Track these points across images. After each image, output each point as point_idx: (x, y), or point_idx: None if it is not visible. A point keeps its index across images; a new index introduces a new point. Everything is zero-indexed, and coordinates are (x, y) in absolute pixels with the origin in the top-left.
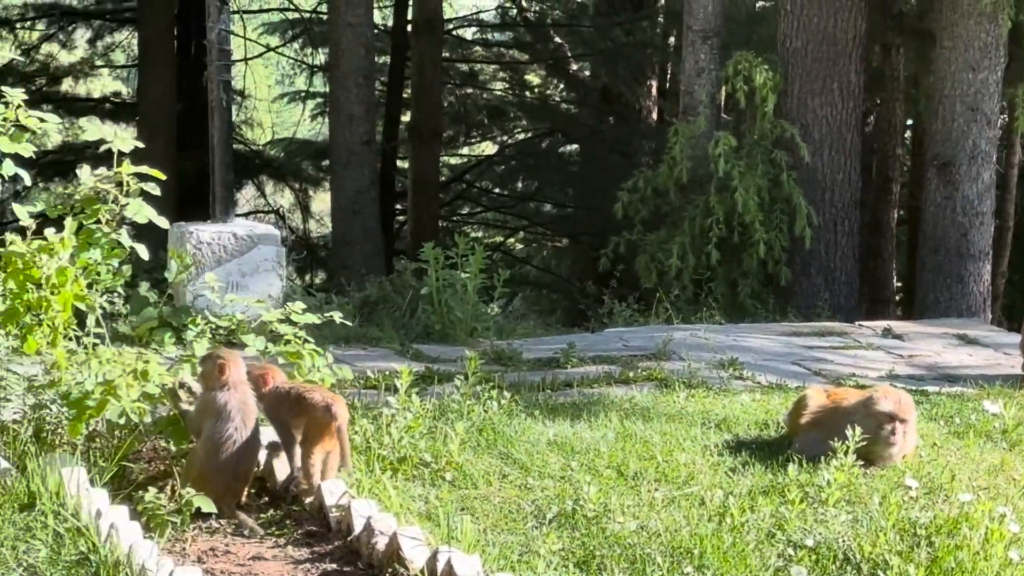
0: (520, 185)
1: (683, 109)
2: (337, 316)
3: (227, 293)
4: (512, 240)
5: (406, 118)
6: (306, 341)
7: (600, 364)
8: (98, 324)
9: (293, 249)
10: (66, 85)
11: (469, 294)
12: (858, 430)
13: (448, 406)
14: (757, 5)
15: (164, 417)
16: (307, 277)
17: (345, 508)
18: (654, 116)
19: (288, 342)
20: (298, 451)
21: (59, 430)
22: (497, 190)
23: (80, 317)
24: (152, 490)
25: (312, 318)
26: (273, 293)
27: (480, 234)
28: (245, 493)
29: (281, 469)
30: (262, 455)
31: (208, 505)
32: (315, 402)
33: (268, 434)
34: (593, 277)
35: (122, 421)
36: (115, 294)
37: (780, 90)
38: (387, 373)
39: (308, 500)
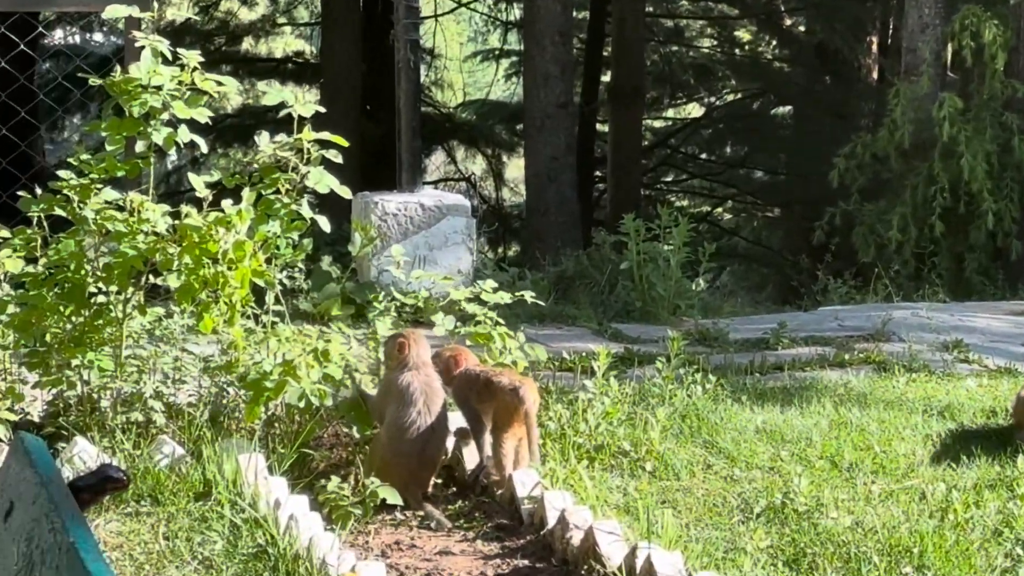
0: (728, 150)
1: (905, 68)
2: (529, 296)
3: (413, 268)
4: (719, 210)
5: (606, 78)
6: (497, 323)
7: (813, 345)
8: (277, 301)
9: (484, 220)
10: (246, 44)
11: (672, 269)
12: None
13: (649, 390)
14: None
15: (346, 400)
16: (499, 250)
17: (538, 500)
18: (874, 75)
19: (478, 323)
20: (488, 439)
21: (236, 414)
22: (703, 156)
23: (258, 294)
24: (334, 479)
25: (504, 297)
26: (463, 268)
27: (685, 203)
28: (432, 483)
29: (470, 458)
30: (450, 442)
31: (393, 496)
32: (503, 385)
33: (457, 420)
34: (806, 250)
35: (302, 404)
36: (295, 269)
37: (1011, 47)
38: (583, 355)
39: (499, 491)
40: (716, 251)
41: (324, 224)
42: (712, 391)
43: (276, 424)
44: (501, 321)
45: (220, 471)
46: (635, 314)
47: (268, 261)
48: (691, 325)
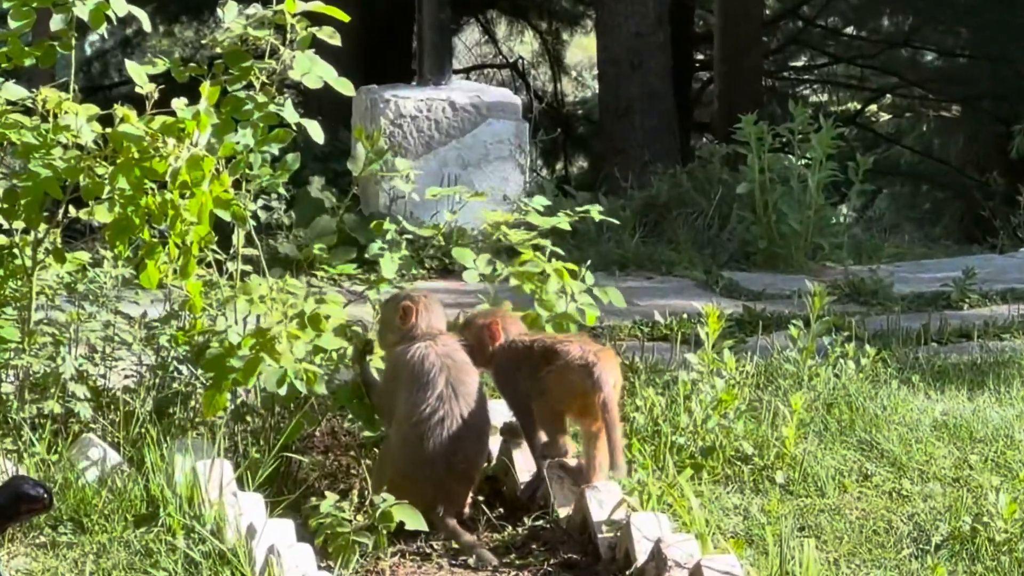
0: (885, 23)
1: None
2: (596, 211)
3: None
4: (874, 108)
5: None
6: (553, 254)
7: (1015, 303)
8: (249, 242)
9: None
10: None
11: (810, 193)
12: None
13: (778, 369)
14: None
15: (346, 385)
16: (558, 166)
17: (622, 526)
18: None
19: (524, 262)
20: (552, 431)
21: (192, 404)
22: (850, 30)
23: (223, 232)
24: (331, 496)
25: (561, 221)
26: (510, 191)
27: (825, 99)
28: (469, 500)
29: (524, 465)
30: (493, 443)
31: (415, 519)
32: (572, 359)
33: (501, 413)
34: (1000, 166)
35: (283, 391)
36: (275, 197)
37: None
38: (684, 317)
39: (565, 511)
40: (872, 167)
41: (315, 132)
42: (870, 369)
43: (248, 418)
44: (558, 251)
45: (170, 484)
46: (757, 258)
47: (237, 185)
48: (838, 274)
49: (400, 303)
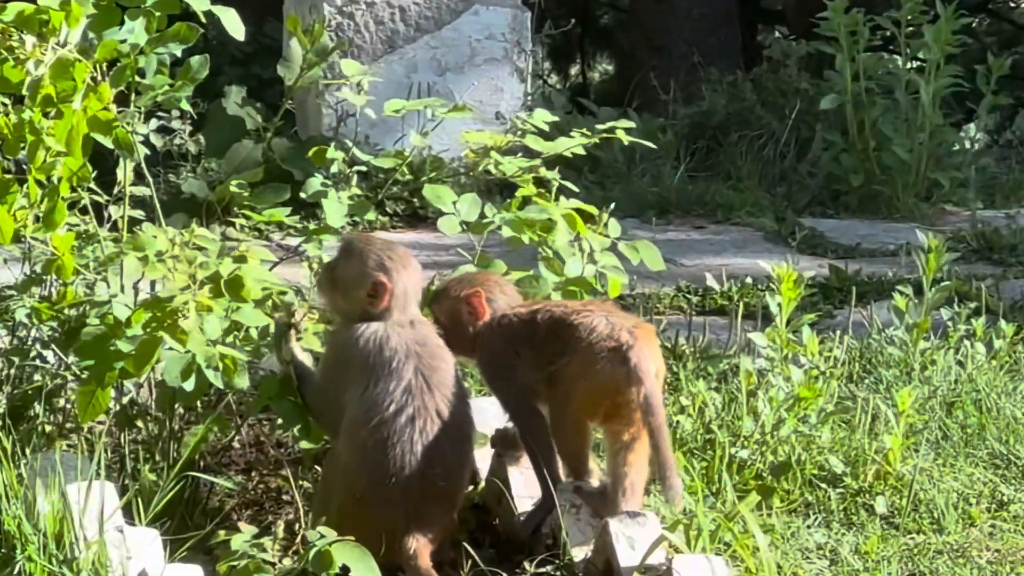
0: None
1: None
2: (624, 131)
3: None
4: None
5: None
6: (562, 188)
7: None
8: (141, 179)
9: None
10: None
11: (923, 109)
12: None
13: (879, 353)
14: None
15: (275, 377)
16: (573, 72)
17: (661, 573)
18: None
19: (526, 200)
20: (569, 444)
21: (62, 403)
22: None
23: (104, 166)
24: (247, 529)
25: (573, 145)
26: (505, 105)
27: None
28: (446, 533)
29: (523, 488)
30: (481, 458)
31: (364, 563)
32: (596, 340)
33: (486, 413)
34: None
35: (190, 385)
36: (176, 116)
37: None
38: (747, 281)
39: (582, 553)
40: (1009, 72)
41: (231, 25)
42: (1006, 354)
43: (141, 424)
44: (571, 186)
45: (30, 516)
46: (849, 199)
47: (122, 101)
48: (962, 221)
49: (372, 277)
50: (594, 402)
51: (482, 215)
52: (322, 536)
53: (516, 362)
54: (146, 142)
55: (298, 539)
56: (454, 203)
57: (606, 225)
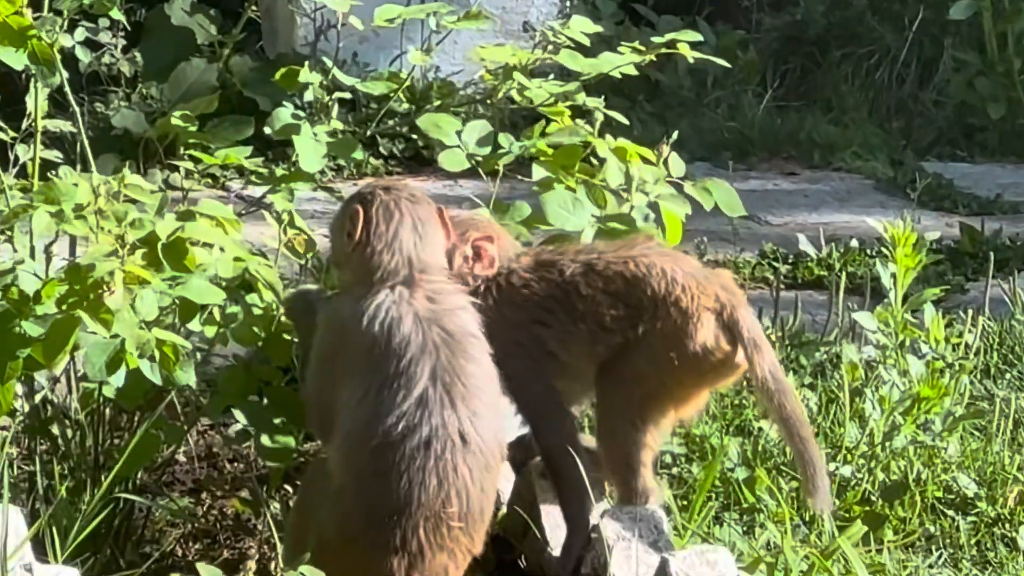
0: None
1: None
2: (687, 45)
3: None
4: None
5: None
6: (608, 118)
7: None
8: (56, 108)
9: None
10: None
11: None
12: None
13: None
14: None
15: (237, 368)
16: None
17: None
18: None
19: (556, 131)
20: (627, 452)
21: None
22: None
23: (10, 91)
24: (206, 572)
25: (622, 63)
26: (534, 14)
27: None
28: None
29: (557, 513)
30: (503, 481)
31: None
32: (685, 294)
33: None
34: None
35: (119, 380)
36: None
37: None
38: (849, 243)
39: None
40: None
41: None
42: None
43: (57, 430)
44: (620, 117)
45: None
46: (986, 137)
47: (36, 5)
48: None
49: (348, 209)
50: (686, 384)
51: (496, 148)
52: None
53: (541, 336)
54: (69, 59)
55: None
56: (458, 133)
57: (666, 162)
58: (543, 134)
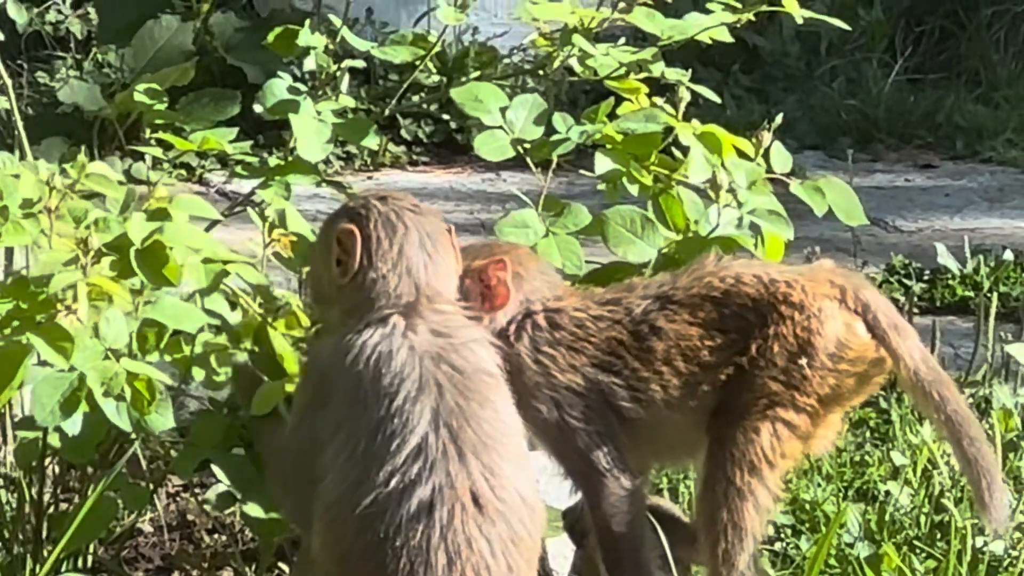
0: None
1: None
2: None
3: None
4: None
5: None
6: (681, 80)
7: None
8: None
9: None
10: None
11: None
12: None
13: None
14: None
15: (218, 413)
16: None
17: None
18: None
19: (615, 106)
20: (738, 516)
21: None
22: None
23: None
24: None
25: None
26: None
27: None
28: None
29: None
30: (554, 553)
31: None
32: (778, 288)
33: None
34: None
35: (75, 427)
36: None
37: None
38: (1003, 255)
39: None
40: None
41: None
42: None
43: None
44: (709, 93)
45: None
46: None
47: None
48: None
49: (337, 228)
50: (824, 399)
51: (550, 130)
52: None
53: (603, 384)
54: (1, 18)
55: None
56: (503, 110)
57: (766, 153)
58: (611, 116)
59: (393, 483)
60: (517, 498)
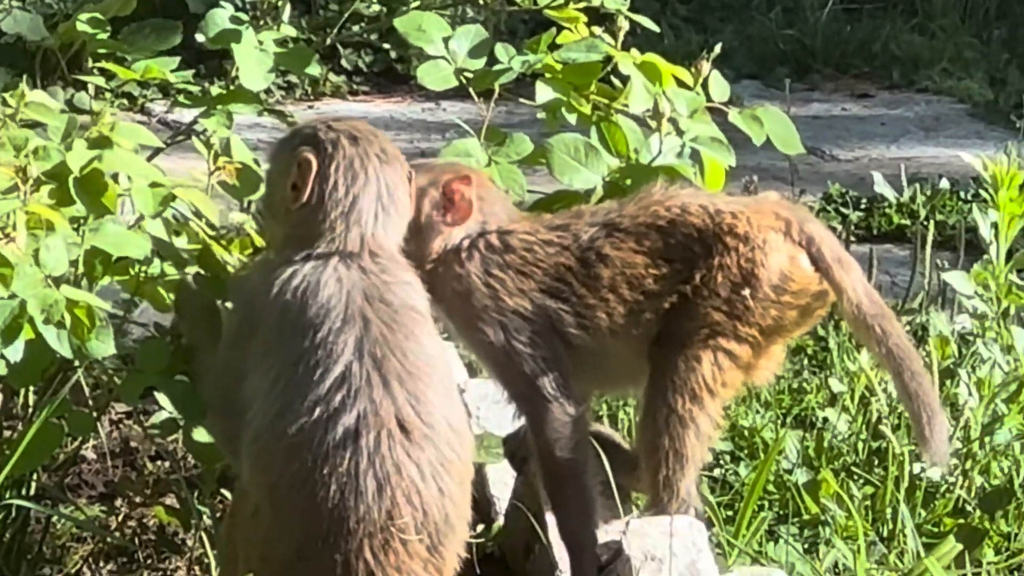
0: None
1: None
2: None
3: None
4: None
5: None
6: (635, 33)
7: None
8: None
9: None
10: None
11: None
12: None
13: None
14: None
15: (161, 339)
16: None
17: None
18: None
19: (555, 36)
20: (680, 442)
21: None
22: None
23: None
24: None
25: None
26: None
27: None
28: None
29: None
30: (494, 480)
31: None
32: (724, 220)
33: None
34: None
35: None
36: None
37: None
38: (938, 184)
39: None
40: None
41: None
42: None
43: None
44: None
45: None
46: None
47: None
48: None
49: (295, 155)
50: (766, 330)
51: (492, 60)
52: None
53: (551, 309)
54: None
55: None
56: (445, 40)
57: (705, 83)
58: (551, 46)
59: (318, 412)
60: (444, 424)
